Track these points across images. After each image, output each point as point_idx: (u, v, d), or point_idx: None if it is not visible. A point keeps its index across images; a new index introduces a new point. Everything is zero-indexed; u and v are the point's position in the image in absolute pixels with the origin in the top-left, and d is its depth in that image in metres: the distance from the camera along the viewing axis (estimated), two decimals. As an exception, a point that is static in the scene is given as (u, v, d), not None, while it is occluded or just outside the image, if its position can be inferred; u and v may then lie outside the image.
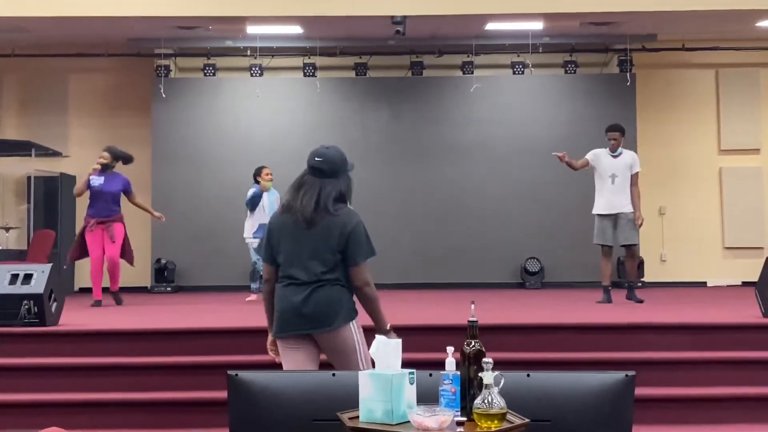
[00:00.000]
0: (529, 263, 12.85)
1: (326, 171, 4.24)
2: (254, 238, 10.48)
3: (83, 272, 12.95)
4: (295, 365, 4.17)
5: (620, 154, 9.48)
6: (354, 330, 4.24)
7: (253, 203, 10.50)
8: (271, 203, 10.41)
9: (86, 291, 12.52)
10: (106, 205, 9.82)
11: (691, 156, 13.44)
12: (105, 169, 9.89)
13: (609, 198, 9.39)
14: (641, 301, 9.22)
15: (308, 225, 4.16)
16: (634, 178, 9.41)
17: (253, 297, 10.53)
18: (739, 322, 7.18)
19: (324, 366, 4.33)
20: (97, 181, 9.81)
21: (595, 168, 9.55)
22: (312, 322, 4.15)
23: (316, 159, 4.26)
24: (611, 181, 9.40)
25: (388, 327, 4.26)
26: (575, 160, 9.45)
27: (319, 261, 4.16)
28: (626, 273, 9.52)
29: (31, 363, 6.59)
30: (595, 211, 9.54)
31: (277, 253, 4.25)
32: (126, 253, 10.01)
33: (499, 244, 12.95)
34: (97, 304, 9.84)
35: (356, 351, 4.23)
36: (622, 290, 9.86)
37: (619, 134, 9.52)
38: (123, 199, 10.06)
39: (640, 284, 9.36)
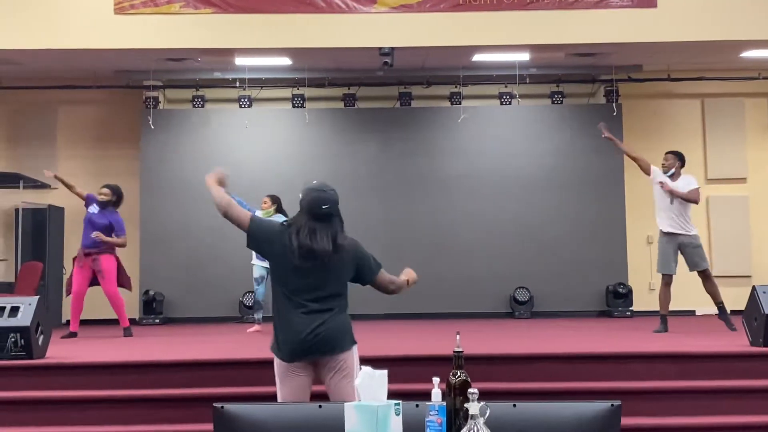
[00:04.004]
0: (519, 293, 12.86)
1: (333, 213, 4.50)
2: (258, 260, 10.50)
3: (70, 305, 12.91)
4: (294, 390, 4.40)
5: (675, 176, 9.69)
6: (356, 354, 4.52)
7: None
8: None
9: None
10: (86, 237, 9.99)
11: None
12: (104, 206, 10.11)
13: (669, 215, 9.61)
14: (734, 329, 9.07)
15: (329, 262, 4.41)
16: (693, 192, 9.64)
17: (256, 328, 10.53)
18: (726, 351, 7.20)
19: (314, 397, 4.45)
20: (93, 210, 10.08)
21: (653, 182, 9.78)
22: (327, 347, 4.39)
23: (324, 207, 4.45)
24: (670, 200, 9.61)
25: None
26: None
27: (334, 291, 4.45)
28: (712, 297, 9.53)
29: (17, 396, 6.55)
30: (661, 226, 9.69)
31: (284, 276, 4.44)
32: (121, 278, 10.21)
33: (488, 273, 12.96)
34: (71, 335, 9.90)
35: (355, 374, 4.45)
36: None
37: (672, 157, 9.79)
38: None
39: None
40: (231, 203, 4.61)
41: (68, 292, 10.35)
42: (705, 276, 9.56)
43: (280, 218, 10.58)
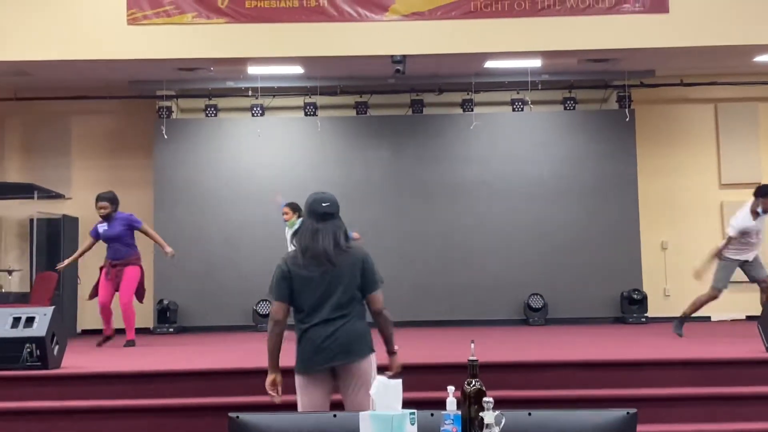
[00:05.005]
0: (532, 299, 12.82)
1: (334, 213, 4.58)
2: None
3: (85, 314, 12.96)
4: (312, 401, 4.45)
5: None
6: (374, 362, 4.55)
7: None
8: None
9: (89, 333, 12.55)
10: (115, 249, 10.06)
11: (692, 190, 13.47)
12: (107, 218, 10.08)
13: (748, 249, 9.61)
14: None
15: (332, 265, 4.45)
16: None
17: None
18: (742, 357, 7.15)
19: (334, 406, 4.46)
20: (102, 227, 10.10)
21: (743, 232, 9.64)
22: (343, 353, 4.43)
23: (324, 205, 4.57)
24: (756, 235, 9.62)
25: (395, 349, 4.63)
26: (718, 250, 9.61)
27: (343, 298, 4.47)
28: None
29: (33, 406, 6.56)
30: (731, 255, 9.61)
31: (298, 295, 4.49)
32: (137, 292, 10.22)
33: (502, 280, 12.93)
34: (107, 339, 10.00)
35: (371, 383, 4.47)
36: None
37: None
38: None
39: None
40: (279, 322, 4.55)
41: (91, 296, 10.33)
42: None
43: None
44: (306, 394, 4.48)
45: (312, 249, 4.49)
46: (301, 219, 10.22)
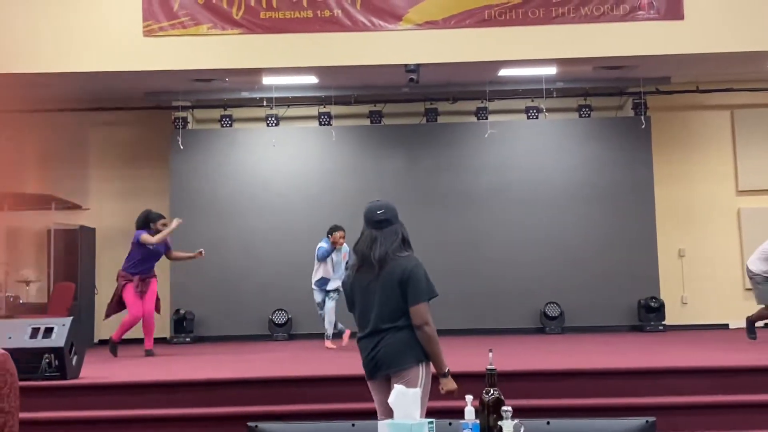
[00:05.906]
0: (549, 308, 12.77)
1: (390, 219, 4.61)
2: (315, 288, 10.68)
3: (103, 325, 12.99)
4: (379, 406, 4.53)
5: None
6: (422, 372, 4.44)
7: (324, 256, 10.56)
8: (338, 259, 10.54)
9: (106, 343, 12.58)
10: (151, 264, 10.31)
11: (709, 197, 13.40)
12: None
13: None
14: None
15: (380, 271, 4.48)
16: None
17: (337, 343, 10.54)
18: (760, 364, 7.11)
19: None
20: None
21: None
22: (383, 365, 4.44)
23: (378, 212, 4.62)
24: None
25: (445, 370, 4.46)
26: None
27: (387, 310, 4.46)
28: None
29: (52, 417, 6.60)
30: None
31: (354, 306, 4.64)
32: (155, 303, 10.42)
33: (518, 289, 12.89)
34: (149, 353, 10.08)
35: None
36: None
37: None
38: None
39: None
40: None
41: (107, 316, 10.48)
42: None
43: (344, 248, 10.56)
44: (375, 398, 4.59)
45: (368, 257, 4.55)
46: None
